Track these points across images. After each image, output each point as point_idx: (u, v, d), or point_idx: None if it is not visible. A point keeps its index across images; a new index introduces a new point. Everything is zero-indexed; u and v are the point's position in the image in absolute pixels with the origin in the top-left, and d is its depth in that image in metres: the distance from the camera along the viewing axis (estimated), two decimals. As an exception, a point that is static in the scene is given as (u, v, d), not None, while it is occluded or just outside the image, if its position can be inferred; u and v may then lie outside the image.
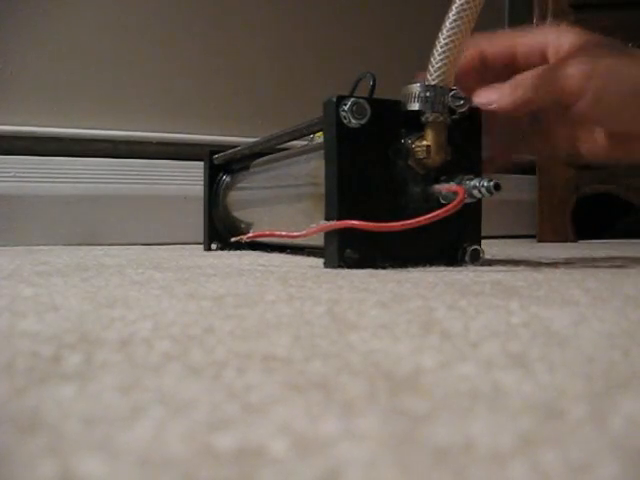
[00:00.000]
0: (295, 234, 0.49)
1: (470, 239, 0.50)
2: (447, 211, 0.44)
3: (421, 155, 0.47)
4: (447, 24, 0.46)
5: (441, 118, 0.47)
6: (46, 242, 1.00)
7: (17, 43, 1.03)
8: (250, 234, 0.56)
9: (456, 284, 0.36)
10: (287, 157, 0.66)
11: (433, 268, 0.47)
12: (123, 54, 1.10)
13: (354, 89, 0.55)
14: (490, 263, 0.53)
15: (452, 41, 0.45)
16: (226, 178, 0.82)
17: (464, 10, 0.45)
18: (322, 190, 0.49)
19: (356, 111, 0.46)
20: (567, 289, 0.34)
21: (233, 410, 0.14)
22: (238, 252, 0.75)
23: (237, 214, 0.78)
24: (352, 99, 0.46)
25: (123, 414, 0.13)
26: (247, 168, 0.78)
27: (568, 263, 0.53)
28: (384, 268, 0.46)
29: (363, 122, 0.46)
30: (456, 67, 0.47)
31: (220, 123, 1.16)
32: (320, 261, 0.50)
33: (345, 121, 0.46)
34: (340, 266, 0.46)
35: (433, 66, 0.47)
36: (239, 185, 0.79)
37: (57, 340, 0.21)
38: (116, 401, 0.14)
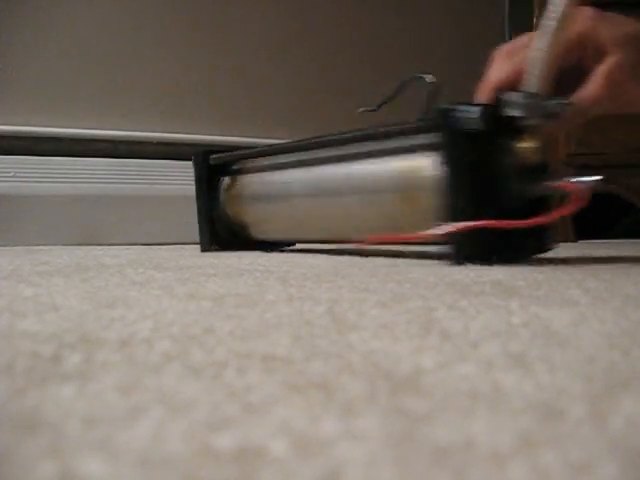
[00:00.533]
0: (420, 235, 0.50)
1: (550, 230, 0.54)
2: (576, 207, 0.47)
3: (524, 157, 0.50)
4: (542, 33, 0.49)
5: (541, 123, 0.50)
6: (46, 242, 1.00)
7: (17, 43, 1.03)
8: (370, 238, 0.54)
9: (456, 284, 0.36)
10: (354, 157, 0.64)
11: (433, 268, 0.47)
12: (123, 54, 1.10)
13: (398, 91, 0.58)
14: (490, 263, 0.52)
15: (548, 50, 0.49)
16: (226, 179, 0.80)
17: (557, 20, 0.48)
18: (413, 191, 0.53)
19: (476, 117, 0.49)
20: (567, 289, 0.34)
21: (233, 410, 0.14)
22: (237, 253, 0.75)
23: (261, 211, 0.75)
24: (472, 107, 0.50)
25: (123, 414, 0.13)
26: (265, 167, 0.75)
27: (568, 263, 0.53)
28: (498, 263, 0.48)
29: (479, 127, 0.49)
30: (553, 74, 0.50)
31: (220, 123, 1.16)
32: (322, 259, 0.50)
33: (465, 127, 0.49)
34: (467, 262, 0.48)
35: (532, 74, 0.50)
36: (264, 183, 0.75)
37: (57, 340, 0.21)
38: (116, 401, 0.14)
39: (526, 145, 0.50)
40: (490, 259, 0.48)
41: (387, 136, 0.59)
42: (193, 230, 1.00)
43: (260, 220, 0.75)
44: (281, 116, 1.20)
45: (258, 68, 1.20)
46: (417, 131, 0.55)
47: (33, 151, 1.03)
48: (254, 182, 0.76)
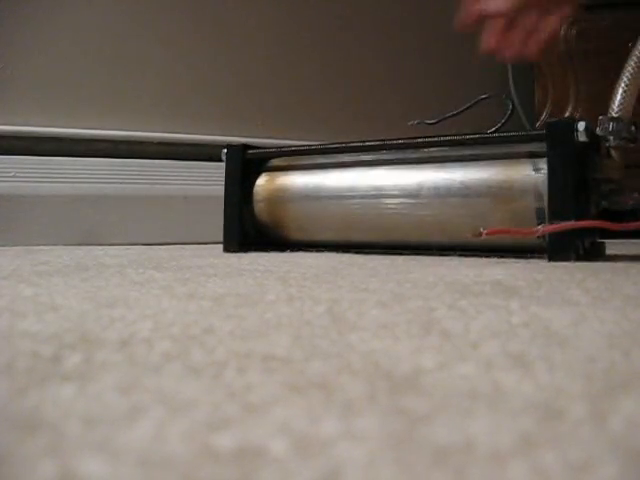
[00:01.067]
0: (532, 230, 0.55)
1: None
2: None
3: (605, 172, 0.59)
4: (629, 68, 0.58)
5: (622, 144, 0.59)
6: (46, 242, 1.00)
7: (17, 43, 1.03)
8: (488, 230, 0.55)
9: (456, 284, 0.36)
10: (432, 160, 0.66)
11: (433, 269, 0.47)
12: (123, 54, 1.10)
13: (468, 107, 0.64)
14: (490, 263, 0.53)
15: (631, 82, 0.59)
16: (263, 175, 0.76)
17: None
18: (508, 194, 0.59)
19: (583, 131, 0.56)
20: (567, 289, 0.34)
21: (233, 410, 0.14)
22: (237, 253, 0.74)
23: (314, 211, 0.72)
24: (582, 122, 0.57)
25: (123, 414, 0.13)
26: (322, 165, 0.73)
27: (568, 263, 0.53)
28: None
29: (584, 140, 0.56)
30: (634, 102, 0.60)
31: (220, 123, 1.16)
32: (322, 259, 0.50)
33: (577, 139, 0.56)
34: (571, 259, 0.55)
35: (616, 102, 0.59)
36: (323, 182, 0.72)
37: (57, 340, 0.21)
38: (116, 401, 0.14)
39: (608, 162, 0.60)
40: (576, 254, 0.55)
41: (484, 143, 0.64)
42: (193, 230, 0.99)
43: (312, 220, 0.72)
44: (282, 116, 1.20)
45: (259, 68, 1.20)
46: (517, 140, 0.62)
47: (33, 151, 1.03)
48: (308, 181, 0.73)
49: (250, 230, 0.76)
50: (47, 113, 1.06)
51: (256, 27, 1.20)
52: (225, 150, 0.77)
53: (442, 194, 0.64)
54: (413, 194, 0.66)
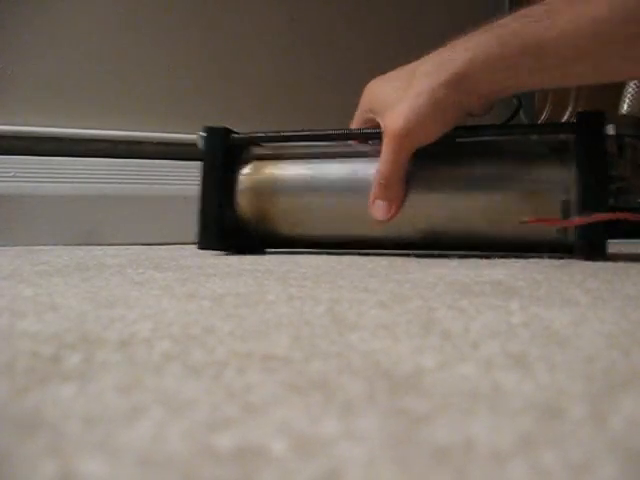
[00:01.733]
0: (568, 221, 0.55)
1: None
2: None
3: (618, 169, 0.61)
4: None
5: (633, 142, 0.62)
6: (46, 242, 1.00)
7: (17, 43, 1.03)
8: (539, 218, 0.56)
9: (456, 284, 0.36)
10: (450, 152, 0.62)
11: (433, 269, 0.47)
12: (123, 54, 1.10)
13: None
14: (490, 263, 0.53)
15: None
16: (249, 165, 0.69)
17: None
18: (532, 187, 0.58)
19: (612, 126, 0.57)
20: (567, 289, 0.34)
21: (233, 410, 0.14)
22: (243, 255, 0.74)
23: (311, 204, 0.65)
24: (601, 114, 0.58)
25: (123, 414, 0.13)
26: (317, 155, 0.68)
27: (568, 263, 0.53)
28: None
29: (612, 134, 0.56)
30: None
31: (220, 123, 1.16)
32: (322, 259, 0.50)
33: (603, 132, 0.56)
34: (606, 255, 0.55)
35: (626, 100, 0.63)
36: (328, 172, 0.66)
37: (57, 340, 0.21)
38: (116, 401, 0.14)
39: (620, 160, 0.62)
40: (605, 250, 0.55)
41: (506, 134, 0.63)
42: (193, 230, 0.99)
43: (304, 214, 0.66)
44: (282, 116, 1.20)
45: (259, 68, 1.20)
46: (543, 131, 0.63)
47: (33, 151, 1.03)
48: (299, 171, 0.67)
49: (231, 226, 0.68)
50: (47, 113, 1.06)
51: (255, 27, 1.20)
52: (202, 133, 0.68)
53: (460, 187, 0.60)
54: (426, 188, 0.60)
